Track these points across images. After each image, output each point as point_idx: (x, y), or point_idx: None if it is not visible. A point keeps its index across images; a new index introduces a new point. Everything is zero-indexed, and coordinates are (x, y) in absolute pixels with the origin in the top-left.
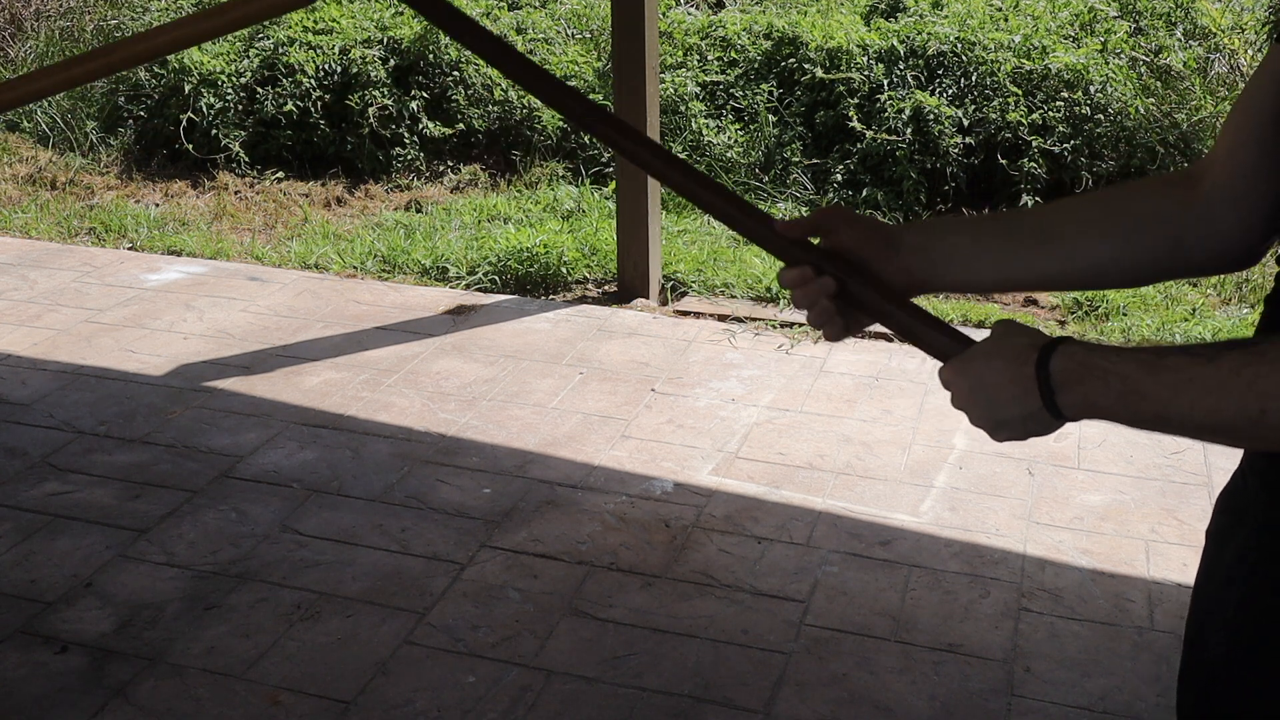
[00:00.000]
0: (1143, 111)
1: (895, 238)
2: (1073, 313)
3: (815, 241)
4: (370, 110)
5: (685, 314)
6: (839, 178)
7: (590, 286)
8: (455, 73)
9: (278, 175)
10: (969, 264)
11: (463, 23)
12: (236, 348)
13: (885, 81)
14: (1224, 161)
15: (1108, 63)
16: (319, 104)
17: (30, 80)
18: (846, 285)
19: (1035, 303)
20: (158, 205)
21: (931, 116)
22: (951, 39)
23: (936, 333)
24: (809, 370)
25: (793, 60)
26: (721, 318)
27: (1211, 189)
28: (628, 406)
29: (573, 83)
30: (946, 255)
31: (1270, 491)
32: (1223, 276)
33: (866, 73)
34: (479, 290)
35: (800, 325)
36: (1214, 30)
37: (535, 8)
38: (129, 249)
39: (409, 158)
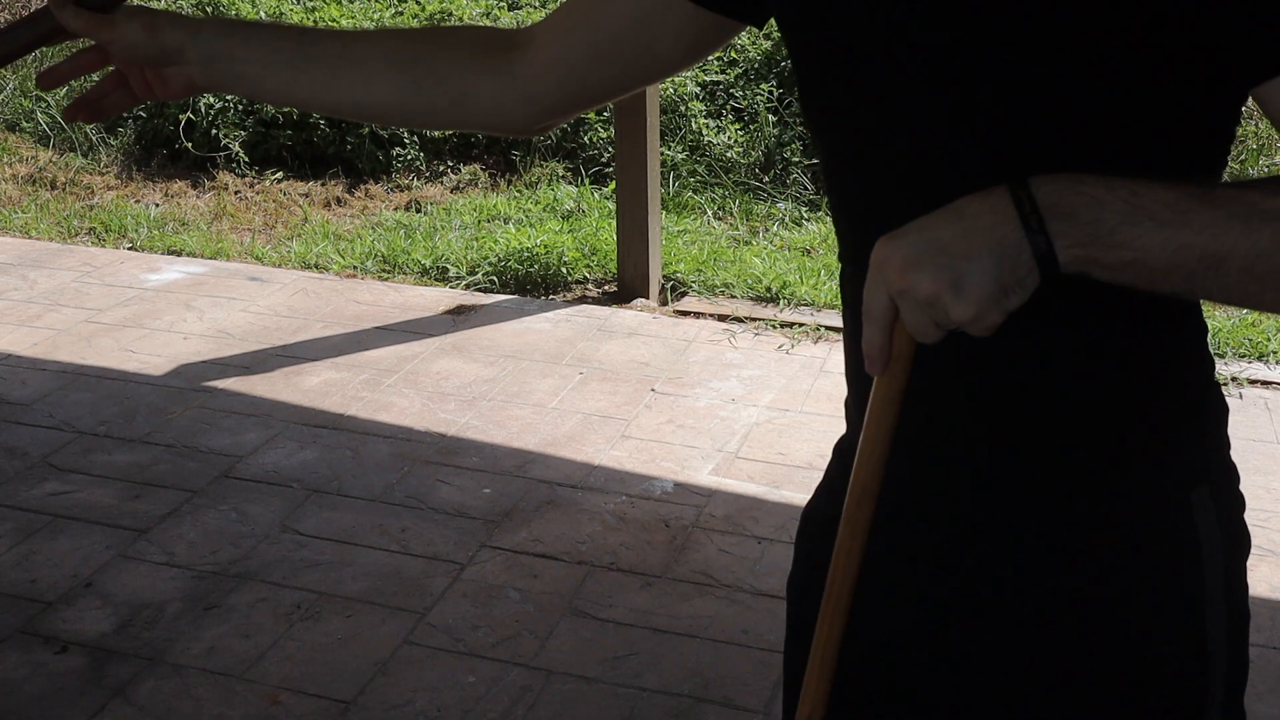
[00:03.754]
0: None
1: (175, 53)
2: None
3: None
4: None
5: (685, 314)
6: None
7: (590, 286)
8: None
9: (278, 175)
10: (256, 86)
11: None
12: (236, 348)
13: None
14: (547, 53)
15: None
16: None
17: None
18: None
19: None
20: (158, 205)
21: None
22: None
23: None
24: (809, 370)
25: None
26: (721, 318)
27: (523, 68)
28: (628, 406)
29: None
30: (234, 78)
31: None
32: None
33: None
34: (479, 290)
35: (800, 325)
36: None
37: (535, 8)
38: (129, 249)
39: (409, 158)
